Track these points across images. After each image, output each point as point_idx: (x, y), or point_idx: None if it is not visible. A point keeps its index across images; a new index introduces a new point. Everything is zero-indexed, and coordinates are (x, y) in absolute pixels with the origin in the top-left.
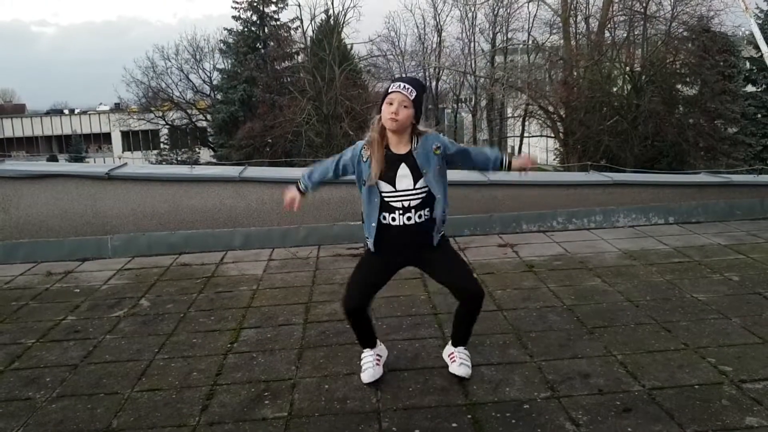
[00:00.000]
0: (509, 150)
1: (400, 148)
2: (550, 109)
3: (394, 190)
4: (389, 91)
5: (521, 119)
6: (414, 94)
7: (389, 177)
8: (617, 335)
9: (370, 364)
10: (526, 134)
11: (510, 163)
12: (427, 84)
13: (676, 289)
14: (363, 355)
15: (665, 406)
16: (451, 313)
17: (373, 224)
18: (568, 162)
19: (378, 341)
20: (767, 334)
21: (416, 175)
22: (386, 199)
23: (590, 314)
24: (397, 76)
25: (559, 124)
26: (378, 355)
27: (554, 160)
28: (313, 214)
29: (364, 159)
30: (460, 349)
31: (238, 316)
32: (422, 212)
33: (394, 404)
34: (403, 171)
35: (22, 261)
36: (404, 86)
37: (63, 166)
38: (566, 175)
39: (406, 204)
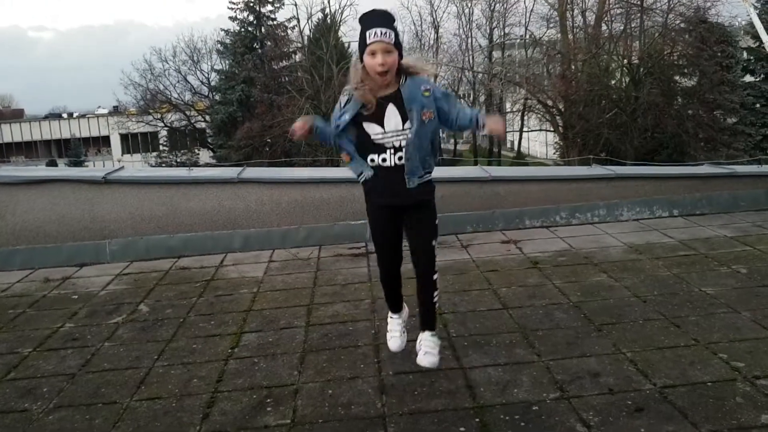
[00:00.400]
0: (509, 145)
1: (386, 89)
2: (549, 103)
3: (383, 131)
4: (368, 42)
5: (520, 114)
6: (393, 36)
7: (377, 118)
8: (626, 332)
9: (398, 332)
10: (525, 129)
11: (483, 124)
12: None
13: (683, 283)
14: (390, 320)
15: (678, 405)
16: (457, 312)
17: (363, 169)
18: (568, 156)
19: (404, 304)
20: None
21: (404, 114)
22: (376, 140)
23: (597, 311)
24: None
25: (558, 117)
26: (403, 321)
27: (554, 154)
28: (313, 214)
29: (342, 105)
30: (427, 335)
31: (238, 320)
32: (401, 154)
33: (399, 409)
34: (391, 110)
35: (19, 268)
36: (381, 32)
37: (59, 171)
38: (568, 169)
39: (396, 144)
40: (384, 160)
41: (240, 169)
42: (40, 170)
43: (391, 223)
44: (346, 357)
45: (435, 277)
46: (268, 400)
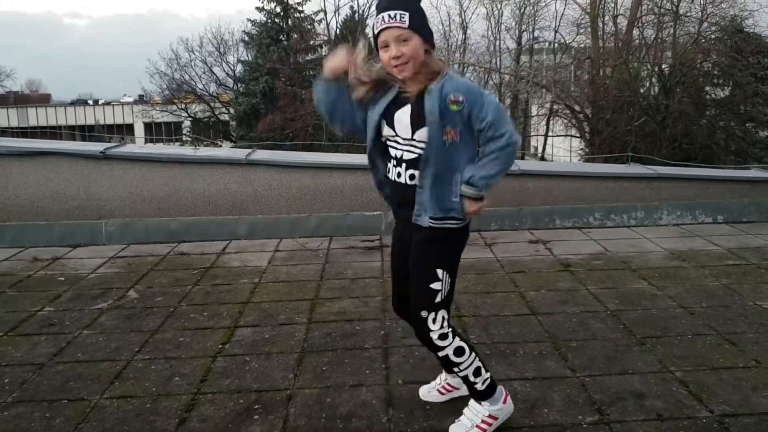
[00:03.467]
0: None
1: (412, 86)
2: (576, 108)
3: (393, 132)
4: (376, 32)
5: (546, 118)
6: (407, 17)
7: (390, 115)
8: (673, 347)
9: (432, 386)
10: (550, 134)
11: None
12: None
13: (735, 296)
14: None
15: None
16: (478, 316)
17: (375, 176)
18: (593, 163)
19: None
20: None
21: (418, 122)
22: (386, 142)
23: (639, 321)
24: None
25: (585, 123)
26: (449, 385)
27: (579, 160)
28: (325, 202)
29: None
30: (470, 403)
31: (234, 313)
32: (414, 172)
33: (408, 426)
34: (404, 112)
35: (8, 245)
36: (390, 16)
37: (55, 143)
38: (604, 166)
39: (399, 154)
40: (388, 170)
41: (249, 150)
42: (35, 142)
43: (402, 250)
44: (350, 360)
45: (442, 353)
46: (256, 407)
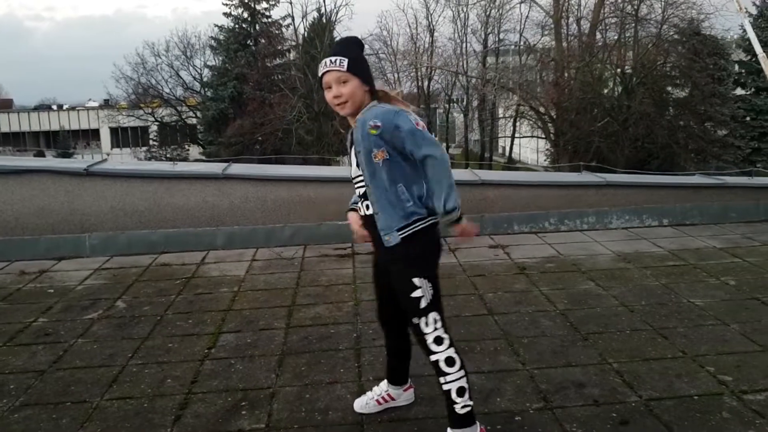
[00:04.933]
0: (501, 151)
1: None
2: (541, 109)
3: (358, 171)
4: (319, 75)
5: (512, 120)
6: (346, 62)
7: (350, 157)
8: (612, 342)
9: (369, 397)
10: (517, 135)
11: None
12: (419, 84)
13: (672, 294)
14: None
15: (663, 419)
16: (450, 316)
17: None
18: (558, 163)
19: (406, 383)
20: (767, 341)
21: (356, 155)
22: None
23: (584, 319)
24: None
25: (550, 124)
26: (388, 395)
27: (545, 160)
28: (299, 212)
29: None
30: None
31: (217, 320)
32: (367, 202)
33: (378, 416)
34: (351, 150)
35: None
36: (331, 61)
37: (39, 161)
38: (558, 175)
39: (360, 191)
40: (360, 206)
41: (225, 165)
42: (21, 160)
43: (382, 276)
44: (326, 361)
45: (434, 358)
46: (243, 403)
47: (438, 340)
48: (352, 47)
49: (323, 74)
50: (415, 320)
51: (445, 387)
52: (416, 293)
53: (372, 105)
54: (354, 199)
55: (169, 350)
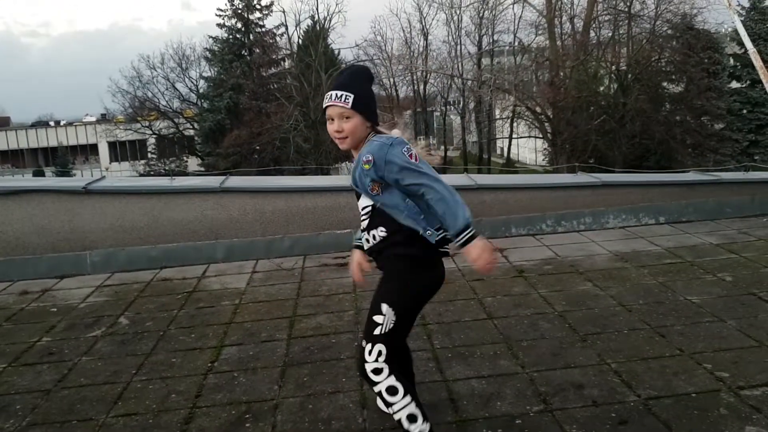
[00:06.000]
0: (499, 152)
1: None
2: (538, 109)
3: (363, 203)
4: (324, 106)
5: (509, 120)
6: (351, 99)
7: (356, 193)
8: (610, 342)
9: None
10: (514, 135)
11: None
12: (415, 87)
13: (669, 292)
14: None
15: (662, 417)
16: (441, 323)
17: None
18: (556, 162)
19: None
20: (764, 337)
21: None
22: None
23: (582, 320)
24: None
25: (546, 124)
26: None
27: (543, 160)
28: (298, 223)
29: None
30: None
31: (219, 333)
32: (375, 233)
33: (381, 424)
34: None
35: None
36: (336, 95)
37: (39, 181)
38: (554, 177)
39: (363, 224)
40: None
41: (223, 178)
42: (20, 180)
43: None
44: (328, 371)
45: (376, 389)
46: (247, 416)
47: (377, 371)
48: (359, 81)
49: (327, 106)
50: (363, 342)
51: (395, 417)
52: (377, 318)
53: (370, 138)
54: (358, 235)
55: (172, 365)
